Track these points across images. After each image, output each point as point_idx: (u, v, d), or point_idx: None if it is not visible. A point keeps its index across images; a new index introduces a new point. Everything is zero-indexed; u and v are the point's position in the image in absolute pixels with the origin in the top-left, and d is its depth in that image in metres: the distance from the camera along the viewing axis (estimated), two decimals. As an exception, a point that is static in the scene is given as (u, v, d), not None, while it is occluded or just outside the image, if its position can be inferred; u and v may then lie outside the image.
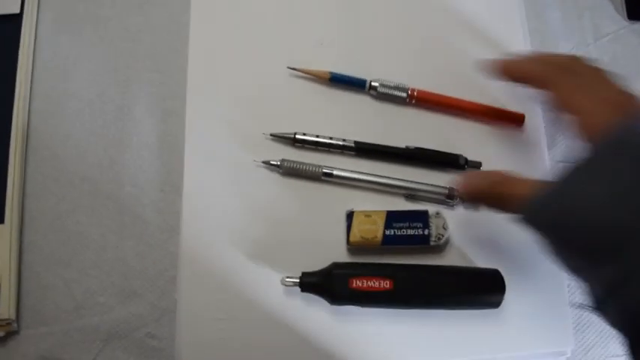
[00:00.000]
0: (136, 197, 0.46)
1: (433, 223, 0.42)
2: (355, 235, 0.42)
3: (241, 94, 0.47)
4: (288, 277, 0.41)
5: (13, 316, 0.43)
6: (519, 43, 0.49)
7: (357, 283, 0.39)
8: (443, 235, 0.42)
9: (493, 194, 0.36)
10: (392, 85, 0.46)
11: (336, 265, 0.41)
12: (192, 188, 0.45)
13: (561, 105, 0.36)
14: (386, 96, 0.47)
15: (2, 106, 0.47)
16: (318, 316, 0.42)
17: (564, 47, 0.50)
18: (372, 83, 0.46)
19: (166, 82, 0.48)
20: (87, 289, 0.44)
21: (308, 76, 0.47)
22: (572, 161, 0.32)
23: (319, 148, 0.45)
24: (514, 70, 0.40)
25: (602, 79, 0.35)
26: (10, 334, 0.44)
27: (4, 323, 0.43)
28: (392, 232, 0.42)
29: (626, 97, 0.34)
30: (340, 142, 0.45)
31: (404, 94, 0.46)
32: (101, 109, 0.48)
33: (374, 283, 0.40)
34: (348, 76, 0.46)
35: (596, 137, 0.32)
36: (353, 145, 0.45)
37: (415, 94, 0.46)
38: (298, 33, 0.48)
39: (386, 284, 0.39)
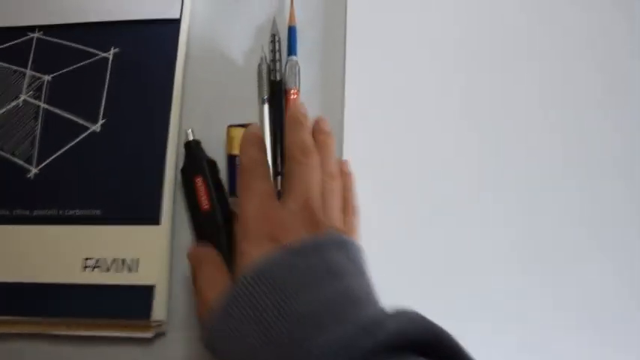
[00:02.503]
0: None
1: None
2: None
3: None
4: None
5: (164, 319, 0.43)
6: None
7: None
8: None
9: (193, 277, 0.39)
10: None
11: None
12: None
13: None
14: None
15: (161, 104, 0.47)
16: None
17: None
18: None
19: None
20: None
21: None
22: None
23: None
24: None
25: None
26: (158, 336, 0.43)
27: (154, 324, 0.43)
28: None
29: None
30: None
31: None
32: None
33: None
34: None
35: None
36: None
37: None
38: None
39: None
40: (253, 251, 0.34)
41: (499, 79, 0.48)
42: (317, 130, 0.41)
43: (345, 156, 0.47)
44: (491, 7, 0.50)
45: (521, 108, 0.48)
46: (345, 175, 0.43)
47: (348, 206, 0.41)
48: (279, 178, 0.46)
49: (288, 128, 0.40)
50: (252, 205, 0.36)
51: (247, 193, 0.37)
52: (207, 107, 0.49)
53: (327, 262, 0.33)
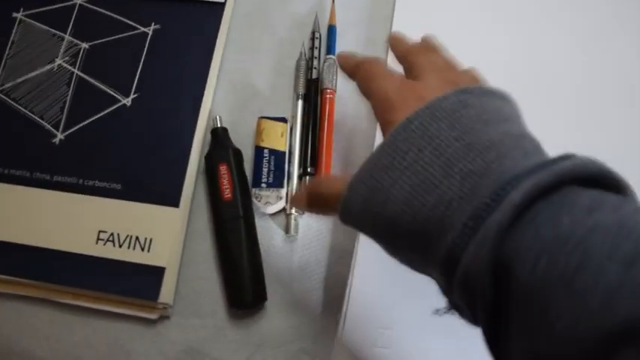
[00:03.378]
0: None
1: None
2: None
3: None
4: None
5: (171, 302, 0.42)
6: None
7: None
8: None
9: (315, 197, 0.34)
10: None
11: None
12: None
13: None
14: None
15: (195, 87, 0.47)
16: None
17: None
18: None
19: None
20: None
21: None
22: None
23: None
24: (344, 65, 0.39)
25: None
26: (162, 319, 0.43)
27: (160, 307, 0.42)
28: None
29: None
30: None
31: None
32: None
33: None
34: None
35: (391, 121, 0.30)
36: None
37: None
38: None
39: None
40: (406, 113, 0.29)
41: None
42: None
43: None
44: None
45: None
46: None
47: None
48: (307, 178, 0.45)
49: (396, 42, 0.39)
50: (390, 85, 0.33)
51: (380, 79, 0.34)
52: (240, 96, 0.49)
53: (498, 107, 0.30)
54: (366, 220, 0.30)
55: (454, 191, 0.26)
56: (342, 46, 0.49)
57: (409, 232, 0.27)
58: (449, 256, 0.26)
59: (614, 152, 0.44)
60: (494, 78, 0.47)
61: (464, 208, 0.25)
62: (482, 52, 0.48)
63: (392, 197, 0.28)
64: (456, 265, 0.25)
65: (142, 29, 0.49)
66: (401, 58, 0.37)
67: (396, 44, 0.39)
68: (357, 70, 0.36)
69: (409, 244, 0.28)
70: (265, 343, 0.42)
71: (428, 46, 0.37)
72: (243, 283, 0.42)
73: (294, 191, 0.45)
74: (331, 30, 0.50)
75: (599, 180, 0.25)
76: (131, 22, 0.49)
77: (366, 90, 0.35)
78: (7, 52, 0.49)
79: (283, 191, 0.45)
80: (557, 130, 0.46)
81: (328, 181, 0.34)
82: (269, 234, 0.45)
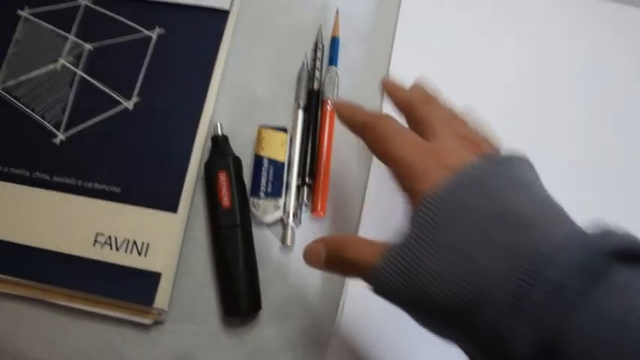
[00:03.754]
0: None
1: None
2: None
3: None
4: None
5: (165, 308, 0.43)
6: None
7: None
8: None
9: (337, 259, 0.33)
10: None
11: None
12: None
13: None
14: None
15: (197, 94, 0.47)
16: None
17: None
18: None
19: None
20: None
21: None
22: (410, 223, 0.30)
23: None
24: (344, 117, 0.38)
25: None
26: (156, 324, 0.43)
27: (155, 312, 0.42)
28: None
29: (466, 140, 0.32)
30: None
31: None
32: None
33: None
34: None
35: (420, 194, 0.29)
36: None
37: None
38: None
39: None
40: (432, 182, 0.29)
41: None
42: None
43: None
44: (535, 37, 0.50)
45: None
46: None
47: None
48: (305, 189, 0.46)
49: (392, 90, 0.38)
50: (408, 149, 0.32)
51: (393, 142, 0.33)
52: (242, 104, 0.49)
53: (522, 173, 0.30)
54: (402, 295, 0.29)
55: (496, 268, 0.26)
56: (344, 57, 0.50)
57: (449, 308, 0.27)
58: (491, 334, 0.26)
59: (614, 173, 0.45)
60: (492, 98, 0.48)
61: (507, 285, 0.25)
62: (482, 70, 0.49)
63: (433, 275, 0.28)
64: (501, 342, 0.25)
65: (147, 33, 0.49)
66: (402, 109, 0.37)
67: (392, 92, 0.38)
68: (364, 130, 0.36)
69: (446, 319, 0.28)
70: (258, 352, 0.43)
71: (428, 96, 0.37)
72: (239, 292, 0.42)
73: (292, 202, 0.45)
74: (334, 42, 0.50)
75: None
76: (136, 26, 0.49)
77: (381, 154, 0.34)
78: (10, 50, 0.49)
79: (281, 201, 0.45)
80: (557, 151, 0.47)
81: (353, 245, 0.32)
82: (266, 243, 0.45)
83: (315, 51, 0.50)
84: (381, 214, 0.45)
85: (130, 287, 0.42)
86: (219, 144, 0.46)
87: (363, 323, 0.43)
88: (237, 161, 0.45)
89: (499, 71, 0.49)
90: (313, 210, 0.45)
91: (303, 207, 0.46)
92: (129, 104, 0.47)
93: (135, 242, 0.43)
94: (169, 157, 0.45)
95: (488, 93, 0.49)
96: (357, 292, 0.43)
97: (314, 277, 0.44)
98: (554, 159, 0.46)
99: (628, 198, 0.46)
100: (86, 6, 0.50)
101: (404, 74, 0.48)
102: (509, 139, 0.45)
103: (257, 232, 0.45)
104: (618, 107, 0.49)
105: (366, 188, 0.46)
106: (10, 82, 0.48)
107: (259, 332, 0.43)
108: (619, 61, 0.50)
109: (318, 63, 0.49)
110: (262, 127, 0.47)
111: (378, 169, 0.46)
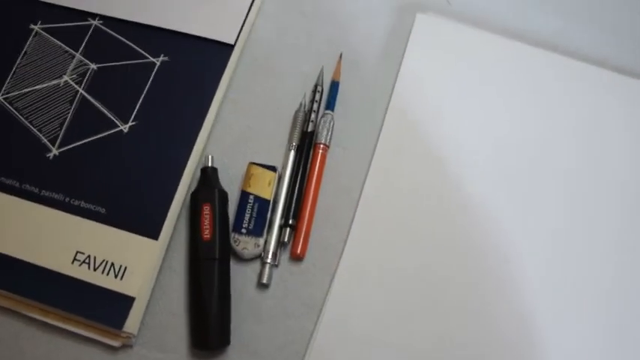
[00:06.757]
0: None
1: None
2: None
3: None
4: None
5: (135, 332, 0.43)
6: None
7: None
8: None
9: None
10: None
11: None
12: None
13: None
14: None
15: (192, 124, 0.48)
16: None
17: None
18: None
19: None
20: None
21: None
22: None
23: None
24: None
25: None
26: (124, 347, 0.44)
27: (124, 335, 0.43)
28: None
29: None
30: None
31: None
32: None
33: None
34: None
35: None
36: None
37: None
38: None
39: None
40: None
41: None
42: None
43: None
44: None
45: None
46: None
47: None
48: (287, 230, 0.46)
49: None
50: None
51: None
52: (236, 138, 0.50)
53: None
54: None
55: None
56: (342, 102, 0.51)
57: None
58: None
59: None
60: (488, 149, 0.48)
61: None
62: (479, 131, 0.50)
63: None
64: None
65: (151, 59, 0.50)
66: None
67: None
68: None
69: None
70: (222, 383, 0.43)
71: None
72: (209, 325, 0.43)
73: (273, 241, 0.46)
74: (334, 85, 0.51)
75: None
76: (141, 51, 0.50)
77: None
78: (18, 61, 0.50)
79: (262, 240, 0.45)
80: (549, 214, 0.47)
81: None
82: (242, 280, 0.46)
83: (314, 92, 0.50)
84: (360, 263, 0.46)
85: (103, 309, 0.43)
86: (208, 176, 0.47)
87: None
88: (224, 195, 0.46)
89: (496, 134, 0.50)
90: (293, 251, 0.46)
91: (284, 247, 0.46)
92: (124, 128, 0.48)
93: (113, 264, 0.44)
94: (157, 184, 0.46)
95: (483, 152, 0.49)
96: (326, 337, 0.43)
97: (287, 317, 0.45)
98: (541, 225, 0.47)
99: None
100: (96, 26, 0.52)
101: (400, 123, 0.49)
102: (501, 198, 0.46)
103: (235, 268, 0.46)
104: (615, 176, 0.49)
105: (348, 234, 0.46)
106: (14, 93, 0.49)
107: (226, 362, 0.44)
108: (617, 130, 0.50)
109: (315, 105, 0.50)
110: (252, 164, 0.48)
111: (362, 217, 0.47)
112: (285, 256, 0.47)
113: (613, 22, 0.54)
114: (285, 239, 0.46)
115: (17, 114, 0.49)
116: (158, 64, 0.50)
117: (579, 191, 0.48)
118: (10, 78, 0.50)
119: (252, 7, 0.52)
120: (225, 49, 0.50)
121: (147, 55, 0.50)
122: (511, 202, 0.47)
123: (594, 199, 0.48)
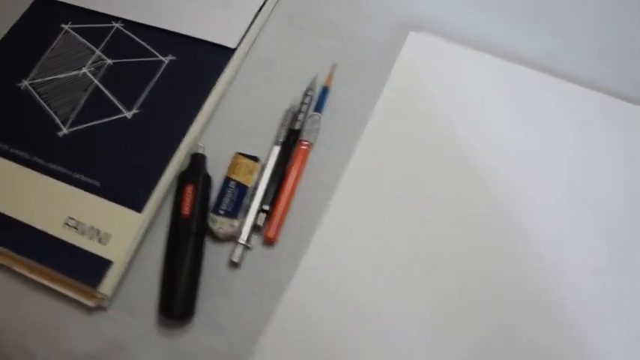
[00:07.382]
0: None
1: None
2: None
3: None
4: None
5: (109, 294, 0.46)
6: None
7: None
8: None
9: None
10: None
11: None
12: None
13: None
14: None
15: (187, 116, 0.53)
16: None
17: None
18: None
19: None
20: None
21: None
22: None
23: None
24: None
25: None
26: (98, 309, 0.47)
27: (99, 296, 0.46)
28: None
29: None
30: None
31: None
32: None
33: None
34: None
35: None
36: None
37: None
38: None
39: None
40: None
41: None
42: None
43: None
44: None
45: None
46: None
47: None
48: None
49: None
50: None
51: None
52: (228, 132, 0.54)
53: None
54: None
55: None
56: (332, 107, 0.54)
57: None
58: None
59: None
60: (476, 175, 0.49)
61: None
62: (460, 145, 0.51)
63: None
64: None
65: (160, 57, 0.55)
66: None
67: None
68: None
69: None
70: (184, 355, 0.45)
71: None
72: (176, 295, 0.45)
73: (248, 223, 0.48)
74: (324, 90, 0.54)
75: None
76: (152, 50, 0.56)
77: None
78: (46, 54, 0.57)
79: (237, 222, 0.48)
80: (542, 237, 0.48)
81: None
82: (216, 258, 0.48)
83: (304, 95, 0.54)
84: (327, 253, 0.48)
85: (82, 268, 0.46)
86: (197, 161, 0.50)
87: (285, 348, 0.44)
88: (207, 178, 0.50)
89: (475, 153, 0.51)
90: (266, 234, 0.48)
91: (259, 232, 0.49)
92: (128, 114, 0.53)
93: (99, 231, 0.48)
94: (150, 165, 0.50)
95: (458, 169, 0.51)
96: (282, 320, 0.45)
97: (252, 298, 0.47)
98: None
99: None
100: (117, 28, 0.58)
101: (380, 130, 0.51)
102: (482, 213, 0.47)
103: (212, 247, 0.48)
104: (605, 199, 0.49)
105: (319, 225, 0.49)
106: (39, 80, 0.55)
107: (189, 337, 0.46)
108: (608, 151, 0.50)
109: (304, 107, 0.53)
110: (238, 154, 0.51)
111: (334, 210, 0.49)
112: (259, 242, 0.49)
113: (603, 46, 0.56)
114: (260, 223, 0.48)
115: (38, 98, 0.54)
116: (166, 62, 0.55)
117: (578, 199, 0.49)
118: (37, 69, 0.56)
119: (258, 17, 0.57)
120: (227, 52, 0.55)
121: (157, 54, 0.56)
122: (497, 218, 0.48)
123: (591, 211, 0.48)
